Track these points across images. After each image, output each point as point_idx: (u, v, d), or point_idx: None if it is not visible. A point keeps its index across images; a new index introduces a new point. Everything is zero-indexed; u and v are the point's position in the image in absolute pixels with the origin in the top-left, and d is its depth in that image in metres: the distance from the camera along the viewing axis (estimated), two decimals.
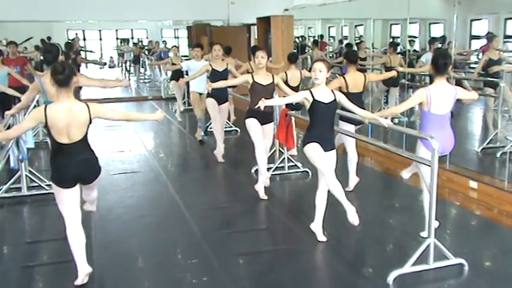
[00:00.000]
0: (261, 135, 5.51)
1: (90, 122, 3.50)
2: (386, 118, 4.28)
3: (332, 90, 4.32)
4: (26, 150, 5.59)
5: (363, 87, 5.58)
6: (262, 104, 4.26)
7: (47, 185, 5.61)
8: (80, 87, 7.84)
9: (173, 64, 10.31)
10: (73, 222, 3.62)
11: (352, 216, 4.07)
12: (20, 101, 5.44)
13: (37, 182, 5.75)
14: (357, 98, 5.05)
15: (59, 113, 3.39)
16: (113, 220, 5.07)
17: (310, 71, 10.25)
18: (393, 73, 6.55)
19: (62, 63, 3.57)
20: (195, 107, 8.20)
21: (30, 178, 5.78)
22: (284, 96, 5.58)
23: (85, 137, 3.50)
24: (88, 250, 3.72)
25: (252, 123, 5.49)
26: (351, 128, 5.45)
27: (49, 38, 15.38)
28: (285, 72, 6.78)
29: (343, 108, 4.49)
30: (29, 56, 11.99)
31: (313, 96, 4.19)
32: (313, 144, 4.23)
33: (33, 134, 5.93)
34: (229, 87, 7.10)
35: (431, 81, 4.82)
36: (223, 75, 6.98)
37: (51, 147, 3.54)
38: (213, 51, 7.19)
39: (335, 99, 4.25)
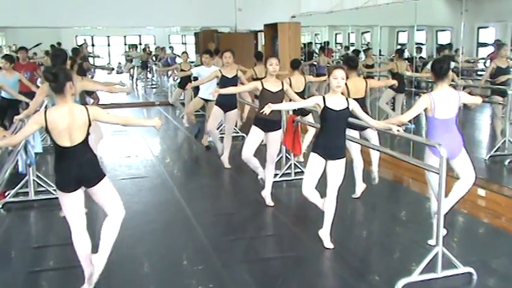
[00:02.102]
0: (255, 146, 5.58)
1: (90, 125, 3.52)
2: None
3: (347, 98, 4.33)
4: (34, 155, 5.61)
5: (365, 92, 5.59)
6: (268, 109, 4.27)
7: (54, 190, 5.62)
8: (88, 92, 7.87)
9: (182, 70, 10.35)
10: (78, 228, 3.63)
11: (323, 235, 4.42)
12: (28, 106, 5.48)
13: (44, 187, 5.78)
14: (359, 103, 5.04)
15: (59, 116, 3.42)
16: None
17: (317, 76, 10.26)
18: (394, 81, 6.62)
19: (55, 70, 3.49)
20: (188, 109, 8.48)
21: (37, 183, 5.81)
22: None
23: (86, 139, 3.53)
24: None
25: (254, 132, 5.54)
26: (355, 133, 5.44)
27: (59, 44, 15.49)
28: (289, 78, 6.79)
29: (354, 117, 4.48)
30: (39, 61, 12.07)
31: (325, 103, 4.20)
32: (315, 155, 4.34)
33: (41, 139, 5.95)
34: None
35: None
36: (233, 81, 6.99)
37: (55, 153, 3.56)
38: (223, 58, 7.20)
39: (348, 107, 4.26)
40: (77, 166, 3.49)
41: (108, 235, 3.68)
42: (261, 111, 4.45)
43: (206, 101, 8.13)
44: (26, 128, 3.64)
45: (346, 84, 5.47)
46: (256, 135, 5.56)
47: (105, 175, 3.66)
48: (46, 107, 6.70)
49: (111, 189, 3.72)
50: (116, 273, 4.04)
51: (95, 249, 3.70)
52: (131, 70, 19.71)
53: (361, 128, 5.40)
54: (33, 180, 5.75)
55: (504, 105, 7.18)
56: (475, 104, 4.57)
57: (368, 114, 4.96)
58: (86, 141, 3.54)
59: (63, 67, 4.41)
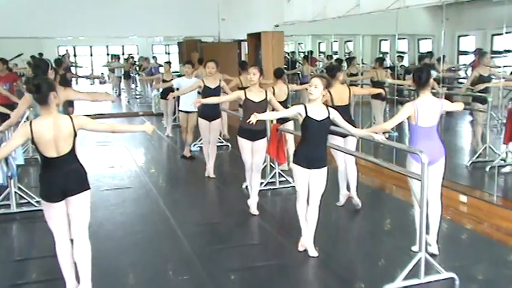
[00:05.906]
0: (251, 155, 5.57)
1: (75, 135, 3.48)
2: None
3: (327, 108, 4.34)
4: (16, 166, 5.54)
5: (348, 100, 5.64)
6: (254, 118, 4.28)
7: (36, 202, 5.57)
8: (71, 102, 7.82)
9: (164, 81, 10.32)
10: (62, 239, 3.60)
11: (304, 245, 4.44)
12: (9, 117, 5.42)
13: (26, 199, 5.71)
14: (343, 111, 5.05)
15: (44, 127, 3.38)
16: (103, 237, 5.02)
17: (301, 84, 10.24)
18: (379, 90, 6.66)
19: (37, 81, 3.45)
20: (183, 131, 8.43)
21: (19, 195, 5.73)
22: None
23: (72, 149, 3.50)
24: (77, 267, 3.69)
25: (243, 144, 5.55)
26: (339, 141, 5.46)
27: (41, 54, 15.32)
28: (272, 87, 6.81)
29: (335, 125, 4.50)
30: (20, 71, 11.96)
31: (306, 112, 4.22)
32: (298, 168, 4.35)
33: (22, 151, 5.88)
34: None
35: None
36: (216, 92, 6.97)
37: (41, 163, 3.52)
38: (206, 68, 7.18)
39: (328, 117, 4.28)
40: (63, 176, 3.46)
41: (84, 264, 3.61)
42: (247, 121, 4.43)
43: (187, 112, 8.10)
44: (11, 142, 3.57)
45: (329, 92, 5.54)
46: (246, 147, 5.56)
47: (89, 188, 3.61)
48: (28, 118, 6.66)
49: (87, 208, 3.61)
50: (100, 285, 3.99)
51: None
52: (116, 79, 19.59)
53: (344, 135, 5.43)
54: (15, 192, 5.68)
55: (485, 112, 7.29)
56: (458, 110, 4.65)
57: (352, 121, 5.00)
58: (72, 151, 3.50)
59: (46, 77, 4.36)
